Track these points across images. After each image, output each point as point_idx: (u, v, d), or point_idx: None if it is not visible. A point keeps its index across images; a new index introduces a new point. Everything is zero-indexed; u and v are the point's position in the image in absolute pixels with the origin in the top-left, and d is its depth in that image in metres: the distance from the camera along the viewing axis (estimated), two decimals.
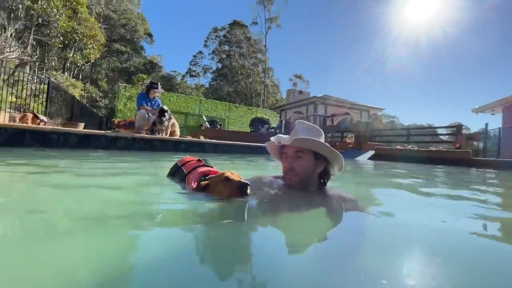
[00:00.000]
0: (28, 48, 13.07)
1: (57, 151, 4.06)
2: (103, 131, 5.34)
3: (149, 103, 6.38)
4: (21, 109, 7.18)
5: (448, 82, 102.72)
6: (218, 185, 1.28)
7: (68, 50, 18.52)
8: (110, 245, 0.76)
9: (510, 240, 1.13)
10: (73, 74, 23.33)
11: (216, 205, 1.22)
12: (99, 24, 19.76)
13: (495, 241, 1.06)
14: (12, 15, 12.57)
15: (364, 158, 9.18)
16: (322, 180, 1.48)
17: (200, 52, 43.76)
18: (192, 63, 43.80)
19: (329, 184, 1.57)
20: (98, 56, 19.13)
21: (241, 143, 7.29)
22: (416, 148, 10.14)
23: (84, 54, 17.41)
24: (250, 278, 0.62)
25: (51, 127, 5.55)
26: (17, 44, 10.57)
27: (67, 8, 14.05)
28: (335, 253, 0.83)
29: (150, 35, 38.31)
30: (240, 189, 1.21)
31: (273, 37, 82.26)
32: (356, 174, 4.20)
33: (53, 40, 15.34)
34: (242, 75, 40.33)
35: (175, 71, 43.21)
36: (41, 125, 5.93)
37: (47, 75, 13.40)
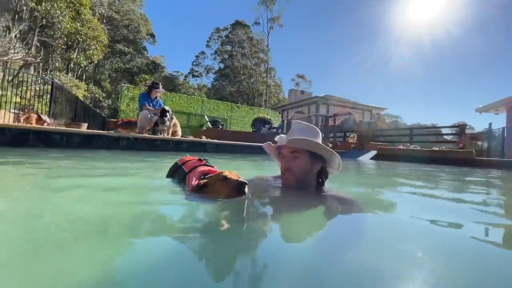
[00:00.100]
0: (32, 49, 13.19)
1: (59, 151, 4.09)
2: (105, 131, 5.38)
3: (150, 103, 6.42)
4: (25, 110, 7.24)
5: (452, 81, 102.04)
6: (216, 184, 1.27)
7: (72, 51, 18.70)
8: (110, 246, 0.77)
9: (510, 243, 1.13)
10: (76, 75, 23.50)
11: (214, 205, 1.22)
12: (102, 25, 19.89)
13: (496, 243, 1.05)
14: (16, 17, 12.69)
15: (366, 158, 9.15)
16: (320, 180, 1.48)
17: (203, 53, 43.92)
18: (194, 63, 43.97)
19: (328, 184, 1.58)
20: (101, 57, 19.29)
21: (243, 143, 7.30)
22: (418, 148, 10.09)
23: (88, 55, 17.57)
24: (249, 278, 0.63)
25: (54, 127, 5.60)
26: (21, 45, 10.67)
27: (71, 9, 14.18)
28: (331, 253, 0.84)
29: (152, 35, 38.48)
30: (237, 188, 1.21)
31: (275, 37, 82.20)
32: (356, 174, 4.19)
33: (56, 41, 15.49)
34: (244, 75, 40.37)
35: (177, 72, 43.39)
36: (45, 125, 5.99)
37: (51, 76, 13.52)
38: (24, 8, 12.45)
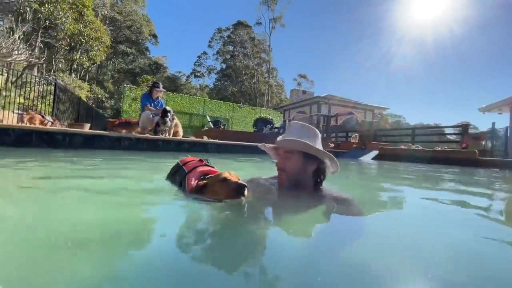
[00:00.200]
0: (36, 50, 13.30)
1: (62, 152, 4.13)
2: (107, 132, 5.42)
3: (152, 104, 6.46)
4: (28, 110, 7.30)
5: (456, 80, 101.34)
6: (216, 185, 1.27)
7: (75, 52, 18.83)
8: (109, 248, 0.77)
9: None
10: (79, 75, 23.65)
11: (212, 207, 1.22)
12: (105, 26, 20.00)
13: (496, 247, 1.04)
14: (20, 18, 12.80)
15: (367, 158, 9.12)
16: (318, 180, 1.49)
17: (205, 53, 44.01)
18: (196, 63, 44.06)
19: (328, 184, 1.59)
20: (103, 57, 19.40)
21: (244, 143, 7.31)
22: (420, 148, 10.05)
23: (90, 56, 17.68)
24: (248, 278, 0.64)
25: (57, 128, 5.65)
26: (25, 46, 10.75)
27: (74, 11, 14.27)
28: (326, 252, 0.85)
29: (155, 36, 38.61)
30: (236, 190, 1.20)
31: (277, 37, 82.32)
32: (355, 175, 4.19)
33: (60, 42, 15.61)
34: (246, 75, 40.40)
35: (179, 72, 43.53)
36: (48, 126, 6.04)
37: (54, 77, 13.62)
38: (28, 9, 12.56)
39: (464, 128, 11.26)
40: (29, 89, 8.62)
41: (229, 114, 20.74)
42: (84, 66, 22.54)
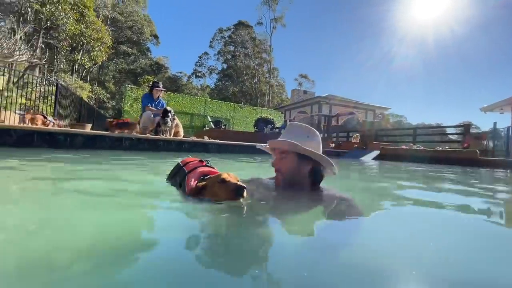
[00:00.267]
0: (38, 51, 13.36)
1: (64, 152, 4.15)
2: (108, 132, 5.43)
3: (153, 104, 6.48)
4: (30, 111, 7.34)
5: (459, 80, 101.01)
6: (215, 186, 1.26)
7: (76, 53, 18.90)
8: (109, 247, 0.78)
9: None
10: (81, 76, 23.73)
11: (211, 208, 1.22)
12: (106, 27, 20.06)
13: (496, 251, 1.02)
14: (21, 19, 12.86)
15: (368, 158, 9.11)
16: (315, 180, 1.50)
17: (206, 53, 44.11)
18: (197, 64, 44.16)
19: (327, 184, 1.60)
20: (105, 58, 19.46)
21: (245, 143, 7.32)
22: (421, 148, 10.03)
23: (92, 57, 17.75)
24: (247, 278, 0.64)
25: (59, 128, 5.68)
26: (26, 47, 10.81)
27: (75, 11, 14.32)
28: (323, 251, 0.85)
29: (156, 36, 38.70)
30: (236, 191, 1.20)
31: (278, 37, 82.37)
32: (356, 174, 4.19)
33: (61, 43, 15.67)
34: (247, 75, 40.43)
35: (181, 72, 43.63)
36: (50, 126, 6.07)
37: (55, 77, 13.68)
38: (29, 10, 12.61)
39: (465, 128, 11.23)
40: (30, 89, 8.66)
41: (230, 114, 20.76)
42: (86, 67, 22.61)
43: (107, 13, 28.17)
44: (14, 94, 8.23)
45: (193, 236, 0.93)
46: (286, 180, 1.50)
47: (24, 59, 9.75)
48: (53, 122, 6.56)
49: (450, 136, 13.68)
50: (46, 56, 14.41)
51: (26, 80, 8.90)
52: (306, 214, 1.28)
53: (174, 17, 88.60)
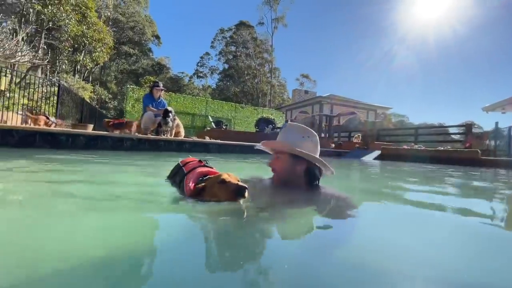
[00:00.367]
0: (40, 51, 13.41)
1: (65, 153, 4.17)
2: (109, 133, 5.46)
3: (154, 104, 6.52)
4: (33, 112, 7.38)
5: (461, 80, 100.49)
6: (215, 187, 1.25)
7: (78, 54, 18.97)
8: (108, 247, 0.78)
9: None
10: (83, 76, 23.81)
11: (211, 209, 1.21)
12: (108, 28, 20.14)
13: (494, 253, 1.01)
14: (23, 20, 12.93)
15: (369, 158, 9.10)
16: (311, 179, 1.51)
17: (207, 53, 44.13)
18: (199, 64, 44.19)
19: (326, 183, 1.61)
20: (107, 59, 19.51)
21: (245, 143, 7.33)
22: (423, 148, 10.00)
23: (94, 57, 17.80)
24: (245, 277, 0.64)
25: (60, 129, 5.71)
26: (28, 48, 10.86)
27: (77, 12, 14.37)
28: (319, 250, 0.86)
29: (157, 37, 38.76)
30: (236, 192, 1.19)
31: (280, 37, 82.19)
32: (356, 174, 4.19)
33: (63, 43, 15.73)
34: (249, 75, 40.42)
35: (182, 73, 43.68)
36: (53, 127, 6.11)
37: (57, 78, 13.75)
38: (31, 10, 12.67)
39: (467, 127, 11.19)
40: (33, 90, 8.70)
41: (232, 114, 20.79)
42: (88, 67, 22.68)
43: (109, 14, 28.22)
44: (16, 95, 8.28)
45: (191, 238, 0.93)
46: (282, 179, 1.54)
47: (26, 60, 9.81)
48: (55, 123, 6.60)
49: (453, 136, 13.63)
50: (48, 57, 14.45)
51: (28, 81, 8.95)
52: (302, 213, 1.28)
53: (176, 18, 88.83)
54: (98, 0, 22.55)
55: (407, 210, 1.65)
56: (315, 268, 0.71)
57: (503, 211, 1.80)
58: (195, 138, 7.04)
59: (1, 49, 8.30)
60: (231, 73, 41.11)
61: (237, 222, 1.09)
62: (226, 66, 42.33)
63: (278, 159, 1.53)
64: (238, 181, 1.25)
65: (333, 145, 12.39)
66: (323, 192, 1.49)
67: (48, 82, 10.00)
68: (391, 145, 11.12)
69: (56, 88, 9.19)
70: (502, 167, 6.63)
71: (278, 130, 14.24)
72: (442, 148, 9.27)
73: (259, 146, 1.66)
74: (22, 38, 11.50)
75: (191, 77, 43.67)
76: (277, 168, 1.54)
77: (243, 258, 0.77)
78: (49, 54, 15.45)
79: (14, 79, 9.43)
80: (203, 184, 1.33)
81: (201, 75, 43.85)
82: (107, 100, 28.26)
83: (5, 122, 5.89)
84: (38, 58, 11.46)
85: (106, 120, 6.07)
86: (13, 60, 9.10)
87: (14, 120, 6.31)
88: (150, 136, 5.87)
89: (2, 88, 7.53)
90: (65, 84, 11.13)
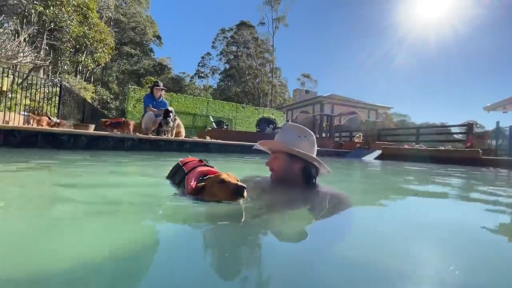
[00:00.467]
0: (42, 52, 13.47)
1: (66, 153, 4.20)
2: (110, 133, 5.50)
3: (155, 103, 6.56)
4: (35, 112, 7.44)
5: (463, 79, 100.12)
6: (214, 187, 1.26)
7: (80, 54, 19.07)
8: (108, 247, 0.78)
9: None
10: (85, 77, 23.92)
11: (211, 208, 1.22)
12: (109, 28, 20.19)
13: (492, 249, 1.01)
14: (24, 21, 13.00)
15: (370, 158, 9.10)
16: (308, 177, 1.53)
17: (208, 53, 44.20)
18: (200, 64, 44.28)
19: (324, 182, 1.63)
20: (108, 59, 19.57)
21: (245, 143, 7.34)
22: (424, 147, 9.99)
23: (95, 58, 17.87)
24: (245, 277, 0.65)
25: (62, 129, 5.75)
26: (30, 48, 10.93)
27: (78, 13, 14.44)
28: (315, 248, 0.87)
29: (159, 37, 38.83)
30: (235, 192, 1.20)
31: (281, 37, 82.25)
32: (355, 173, 4.20)
33: (65, 44, 15.82)
34: (250, 75, 40.45)
35: (184, 73, 43.79)
36: (55, 127, 6.15)
37: (59, 79, 13.81)
38: (33, 11, 12.73)
39: (469, 127, 11.17)
40: (35, 91, 8.76)
41: (233, 114, 20.82)
42: (89, 68, 22.79)
43: (110, 14, 28.33)
44: (18, 96, 8.34)
45: (191, 237, 0.93)
46: (280, 178, 1.57)
47: (28, 60, 9.86)
48: (58, 122, 6.65)
49: (455, 136, 13.59)
50: (50, 58, 14.54)
51: (30, 82, 9.01)
52: (300, 212, 1.30)
53: (177, 18, 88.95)
54: (100, 1, 22.62)
55: (406, 209, 1.67)
56: (313, 266, 0.72)
57: (502, 211, 1.81)
58: (195, 138, 7.07)
59: (3, 50, 8.36)
60: (232, 73, 41.16)
61: (236, 222, 1.10)
62: (227, 66, 42.38)
63: (276, 158, 1.56)
64: (238, 181, 1.26)
65: (333, 145, 12.41)
66: (320, 190, 1.51)
67: (50, 83, 10.07)
68: (392, 144, 11.11)
69: (58, 89, 9.26)
70: (503, 166, 6.61)
71: (279, 130, 14.28)
72: (443, 148, 9.26)
73: (257, 146, 1.68)
74: (24, 39, 11.57)
75: (192, 77, 43.77)
76: (275, 167, 1.57)
77: (243, 257, 0.78)
78: (51, 55, 15.54)
79: (16, 79, 9.50)
80: (203, 183, 1.34)
81: (202, 75, 43.94)
82: (108, 100, 28.39)
83: (7, 122, 5.94)
84: (40, 59, 11.51)
85: (103, 120, 6.11)
86: (15, 61, 9.16)
87: (16, 120, 6.36)
88: (151, 136, 5.90)
89: (5, 88, 7.59)
90: (67, 84, 11.19)
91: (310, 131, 1.58)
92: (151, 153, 5.24)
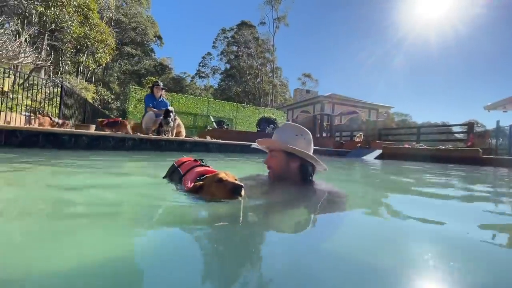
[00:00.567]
0: (43, 53, 13.52)
1: (67, 153, 4.23)
2: (111, 133, 5.52)
3: (155, 103, 6.58)
4: (36, 113, 7.47)
5: (464, 79, 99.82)
6: (212, 186, 1.27)
7: (81, 55, 19.12)
8: (107, 247, 0.79)
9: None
10: (86, 77, 24.00)
11: (209, 206, 1.23)
12: (110, 29, 20.25)
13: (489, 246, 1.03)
14: (25, 21, 13.04)
15: (371, 157, 9.10)
16: (305, 175, 1.55)
17: (209, 53, 44.27)
18: (201, 64, 44.35)
19: (322, 180, 1.65)
20: (109, 59, 19.62)
21: (245, 142, 7.36)
22: (424, 147, 9.98)
23: (96, 58, 17.92)
24: (245, 277, 0.66)
25: (63, 129, 5.78)
26: (31, 49, 10.96)
27: (79, 14, 14.48)
28: (312, 246, 0.88)
29: (159, 37, 38.90)
30: (233, 190, 1.21)
31: (281, 36, 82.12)
32: (355, 173, 4.20)
33: (66, 45, 15.86)
34: (250, 75, 40.46)
35: (184, 73, 43.89)
36: (57, 127, 6.19)
37: (60, 79, 13.85)
38: (33, 12, 12.77)
39: (469, 126, 11.15)
40: (36, 91, 8.80)
41: (233, 114, 20.83)
42: (90, 68, 22.87)
43: (111, 15, 28.39)
44: (19, 96, 8.38)
45: (191, 238, 0.94)
46: (277, 176, 1.60)
47: (29, 61, 9.90)
48: (59, 123, 6.69)
49: (456, 135, 13.59)
50: (51, 58, 14.60)
51: (31, 82, 9.05)
52: (297, 209, 1.31)
53: (177, 18, 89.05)
54: (100, 2, 22.66)
55: (403, 207, 1.68)
56: (312, 265, 0.72)
57: (502, 212, 1.82)
58: (196, 138, 7.09)
59: (4, 51, 8.40)
60: (232, 73, 41.18)
61: (234, 221, 1.11)
62: (228, 66, 42.41)
63: (273, 157, 1.58)
64: (235, 179, 1.28)
65: (333, 144, 12.41)
66: (317, 188, 1.53)
67: (51, 83, 10.11)
68: (392, 144, 11.10)
69: (59, 89, 9.30)
70: (503, 165, 6.60)
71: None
72: (443, 147, 9.25)
73: (255, 145, 1.71)
74: (25, 40, 11.62)
75: (193, 77, 43.86)
76: (272, 166, 1.60)
77: (243, 257, 0.78)
78: (52, 55, 15.61)
79: (17, 80, 9.55)
80: (200, 182, 1.35)
81: (203, 75, 44.01)
82: (109, 100, 28.48)
83: (9, 122, 5.98)
84: (41, 59, 11.56)
85: (100, 120, 6.13)
86: (16, 62, 9.19)
87: (17, 120, 6.40)
88: (151, 136, 5.92)
89: (6, 89, 7.63)
90: (68, 85, 11.23)
91: (307, 130, 1.60)
92: (152, 153, 5.27)
